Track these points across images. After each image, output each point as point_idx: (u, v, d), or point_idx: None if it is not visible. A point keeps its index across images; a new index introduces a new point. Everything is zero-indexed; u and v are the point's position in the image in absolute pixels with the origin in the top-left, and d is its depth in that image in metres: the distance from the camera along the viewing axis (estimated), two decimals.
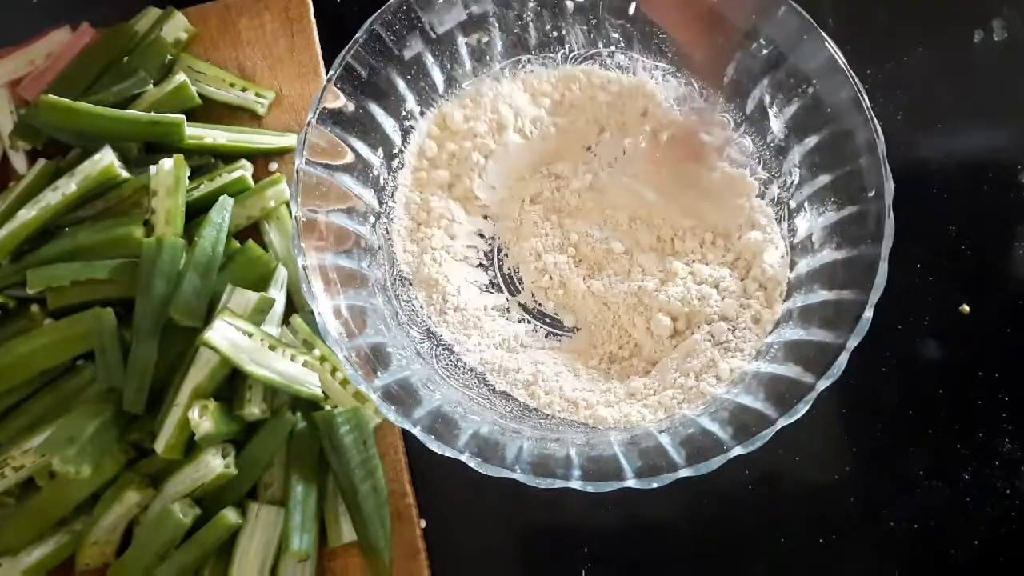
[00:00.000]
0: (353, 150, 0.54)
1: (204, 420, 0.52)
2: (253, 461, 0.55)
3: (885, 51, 0.64)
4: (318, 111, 0.50)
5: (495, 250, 0.60)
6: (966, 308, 0.59)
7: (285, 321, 0.59)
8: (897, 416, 0.57)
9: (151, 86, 0.63)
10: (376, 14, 0.52)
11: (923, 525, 0.55)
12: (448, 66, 0.58)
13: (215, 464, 0.53)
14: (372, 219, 0.56)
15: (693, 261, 0.56)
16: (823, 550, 0.55)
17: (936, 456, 0.56)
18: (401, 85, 0.56)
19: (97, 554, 0.53)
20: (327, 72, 0.51)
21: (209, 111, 0.64)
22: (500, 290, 0.59)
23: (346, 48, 0.51)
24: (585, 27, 0.59)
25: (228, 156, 0.63)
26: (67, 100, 0.59)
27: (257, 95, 0.65)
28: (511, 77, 0.60)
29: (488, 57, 0.59)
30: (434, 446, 0.45)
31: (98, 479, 0.53)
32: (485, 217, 0.60)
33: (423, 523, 0.56)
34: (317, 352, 0.57)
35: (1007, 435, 0.56)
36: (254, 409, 0.54)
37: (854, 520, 0.55)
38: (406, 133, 0.58)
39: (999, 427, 0.56)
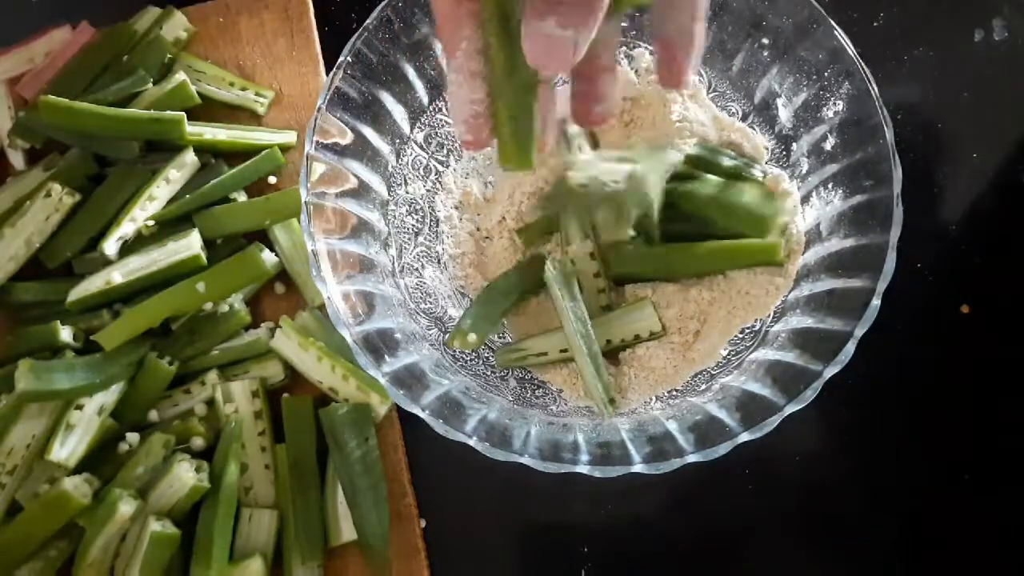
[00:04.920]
0: (363, 137, 0.53)
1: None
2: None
3: (885, 50, 0.64)
4: (329, 96, 0.50)
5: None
6: (966, 308, 0.59)
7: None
8: (897, 416, 0.57)
9: (150, 85, 0.63)
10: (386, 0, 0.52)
11: (923, 525, 0.55)
12: None
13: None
14: (380, 206, 0.56)
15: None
16: (823, 550, 0.55)
17: (936, 456, 0.56)
18: (411, 72, 0.55)
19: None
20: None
21: (209, 110, 0.64)
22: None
23: (356, 34, 0.51)
24: None
25: (229, 154, 0.63)
26: (66, 99, 0.59)
27: (256, 94, 0.64)
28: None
29: None
30: (442, 430, 0.45)
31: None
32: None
33: (423, 522, 0.56)
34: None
35: (1007, 435, 0.56)
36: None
37: (854, 520, 0.55)
38: (415, 120, 0.58)
39: (999, 427, 0.56)
